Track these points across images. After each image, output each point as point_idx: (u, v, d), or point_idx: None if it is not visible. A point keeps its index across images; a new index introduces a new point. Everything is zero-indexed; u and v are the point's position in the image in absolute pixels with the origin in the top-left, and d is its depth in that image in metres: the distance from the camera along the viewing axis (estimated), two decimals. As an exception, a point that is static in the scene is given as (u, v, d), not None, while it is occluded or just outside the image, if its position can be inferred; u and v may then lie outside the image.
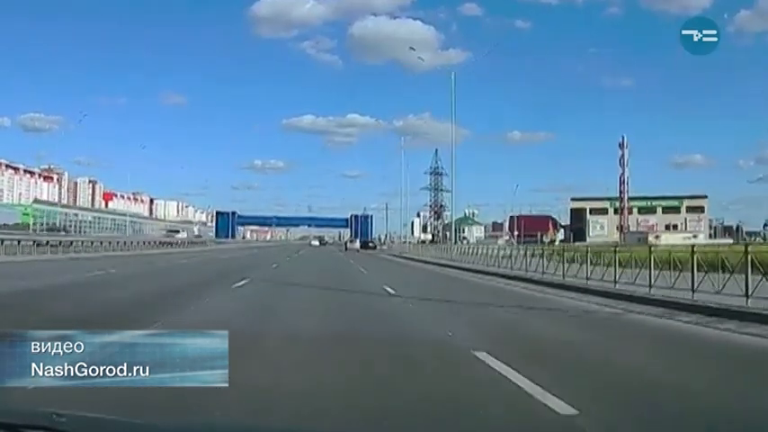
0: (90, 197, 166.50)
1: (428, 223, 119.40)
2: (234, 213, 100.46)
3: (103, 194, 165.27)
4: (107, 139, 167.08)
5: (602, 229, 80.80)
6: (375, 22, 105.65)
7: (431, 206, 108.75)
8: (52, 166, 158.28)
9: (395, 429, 3.88)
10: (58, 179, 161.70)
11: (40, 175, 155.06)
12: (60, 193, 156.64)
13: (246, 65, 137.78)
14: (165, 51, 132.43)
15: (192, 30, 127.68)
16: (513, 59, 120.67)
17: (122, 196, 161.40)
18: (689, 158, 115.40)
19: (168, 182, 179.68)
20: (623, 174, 64.29)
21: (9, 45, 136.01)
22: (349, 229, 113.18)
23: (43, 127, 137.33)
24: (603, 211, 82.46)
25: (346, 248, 74.60)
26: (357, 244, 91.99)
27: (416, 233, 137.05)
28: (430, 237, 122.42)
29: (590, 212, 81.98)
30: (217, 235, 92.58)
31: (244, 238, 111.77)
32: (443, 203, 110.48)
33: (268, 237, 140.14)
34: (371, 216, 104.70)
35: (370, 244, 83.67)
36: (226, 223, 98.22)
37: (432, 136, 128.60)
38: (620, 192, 66.29)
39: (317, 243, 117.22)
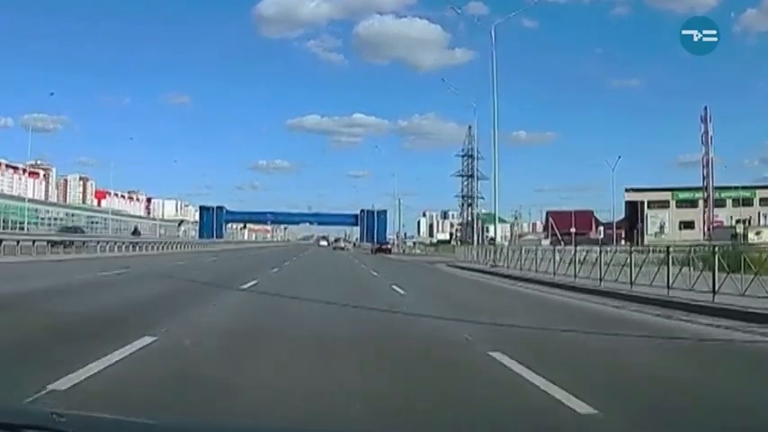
0: (81, 195, 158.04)
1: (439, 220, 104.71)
2: (220, 208, 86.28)
3: (95, 192, 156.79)
4: (110, 140, 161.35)
5: (661, 226, 66.89)
6: (381, 21, 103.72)
7: (463, 196, 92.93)
8: (39, 162, 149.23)
9: None
10: (45, 175, 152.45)
11: (24, 171, 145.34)
12: (48, 190, 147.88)
13: (251, 64, 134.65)
14: (170, 51, 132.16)
15: (197, 29, 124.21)
16: (520, 59, 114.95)
17: (116, 194, 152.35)
18: (693, 157, 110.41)
19: (172, 182, 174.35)
20: (707, 154, 50.33)
21: (11, 44, 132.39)
22: (359, 228, 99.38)
23: (47, 127, 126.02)
24: (664, 204, 68.43)
25: (334, 248, 69.12)
26: (342, 242, 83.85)
27: (423, 233, 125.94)
28: (447, 236, 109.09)
29: (647, 206, 68.00)
30: (201, 234, 78.71)
31: (234, 237, 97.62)
32: (478, 193, 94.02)
33: (269, 236, 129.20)
34: (386, 212, 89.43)
35: (385, 246, 66.48)
36: (211, 220, 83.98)
37: (436, 135, 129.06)
38: (705, 177, 52.25)
39: (324, 243, 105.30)
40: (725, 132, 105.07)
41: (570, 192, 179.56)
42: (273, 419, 3.80)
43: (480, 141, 58.42)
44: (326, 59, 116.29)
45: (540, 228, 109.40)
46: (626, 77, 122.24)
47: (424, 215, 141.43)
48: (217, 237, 76.03)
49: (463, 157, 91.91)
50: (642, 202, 68.71)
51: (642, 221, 67.26)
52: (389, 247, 67.22)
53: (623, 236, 67.23)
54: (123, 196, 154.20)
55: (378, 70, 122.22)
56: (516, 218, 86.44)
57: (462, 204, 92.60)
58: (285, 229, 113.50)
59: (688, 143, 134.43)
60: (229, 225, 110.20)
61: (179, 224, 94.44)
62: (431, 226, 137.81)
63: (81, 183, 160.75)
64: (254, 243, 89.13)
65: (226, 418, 3.56)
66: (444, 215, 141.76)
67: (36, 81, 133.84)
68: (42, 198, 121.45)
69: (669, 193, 68.37)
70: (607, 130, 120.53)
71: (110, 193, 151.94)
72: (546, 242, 58.88)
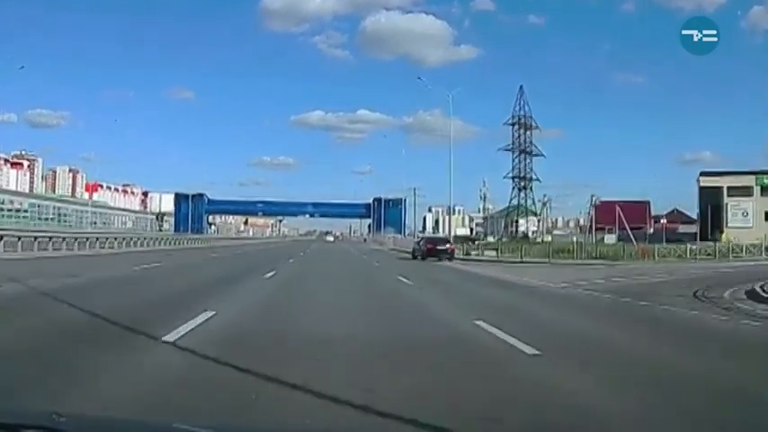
0: (70, 187, 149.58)
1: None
2: (200, 196, 72.99)
3: (86, 185, 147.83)
4: (113, 135, 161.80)
5: (744, 217, 53.85)
6: (387, 16, 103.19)
7: (514, 177, 77.04)
8: (24, 152, 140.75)
9: None
10: (29, 166, 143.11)
11: (7, 162, 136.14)
12: (33, 182, 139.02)
13: (256, 60, 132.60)
14: (174, 46, 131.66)
15: (202, 24, 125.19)
16: (526, 55, 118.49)
17: (109, 187, 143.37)
18: (697, 155, 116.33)
19: (175, 178, 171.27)
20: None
21: (14, 40, 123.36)
22: (371, 220, 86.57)
23: (50, 123, 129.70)
24: (746, 191, 55.29)
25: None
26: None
27: (429, 228, 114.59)
28: (467, 231, 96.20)
29: (727, 193, 54.90)
30: (176, 228, 65.91)
31: (218, 232, 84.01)
32: (532, 174, 74.95)
33: (268, 232, 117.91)
34: (404, 201, 74.67)
35: (444, 246, 33.09)
36: (190, 211, 70.66)
37: (441, 132, 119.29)
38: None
39: (330, 239, 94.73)
40: (730, 130, 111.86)
41: (575, 189, 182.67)
42: None
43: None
44: (332, 55, 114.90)
45: (558, 222, 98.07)
46: (632, 74, 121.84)
47: (430, 210, 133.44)
48: (195, 231, 62.95)
49: (513, 126, 74.35)
50: (720, 189, 55.52)
51: (723, 211, 54.30)
52: (452, 247, 33.89)
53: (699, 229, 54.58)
54: (117, 189, 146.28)
55: (383, 66, 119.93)
56: (545, 204, 70.11)
57: (513, 185, 75.91)
58: (280, 221, 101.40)
59: (691, 141, 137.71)
60: (223, 218, 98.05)
61: (158, 217, 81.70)
62: (436, 221, 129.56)
63: (70, 175, 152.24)
64: (240, 240, 73.82)
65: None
66: (449, 211, 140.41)
67: (39, 76, 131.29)
68: (27, 191, 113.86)
69: (752, 177, 55.21)
70: (611, 128, 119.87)
71: (101, 186, 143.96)
72: (610, 238, 45.94)
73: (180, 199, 75.31)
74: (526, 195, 74.22)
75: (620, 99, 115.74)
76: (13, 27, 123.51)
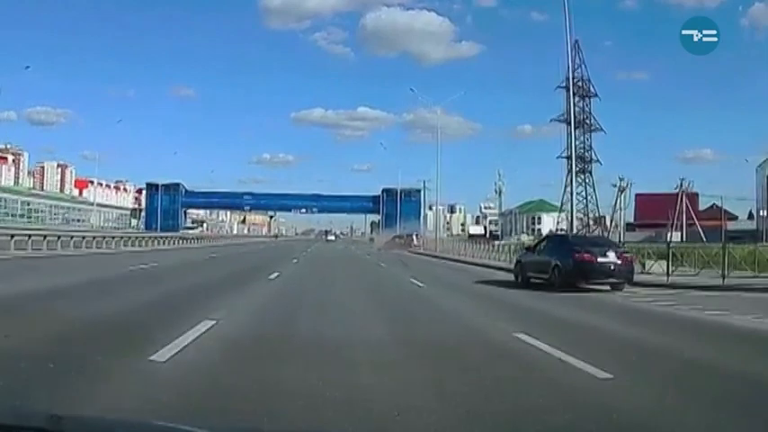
0: (59, 184, 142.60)
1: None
2: (176, 187, 63.01)
3: (75, 181, 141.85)
4: (113, 133, 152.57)
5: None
6: (388, 13, 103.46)
7: (568, 157, 64.18)
8: (9, 146, 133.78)
9: None
10: (14, 161, 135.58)
11: None
12: (18, 177, 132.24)
13: (256, 57, 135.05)
14: (175, 43, 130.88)
15: (202, 21, 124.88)
16: (526, 52, 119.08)
17: (101, 184, 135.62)
18: (698, 153, 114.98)
19: (172, 176, 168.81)
20: None
21: (13, 36, 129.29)
22: (380, 214, 77.64)
23: (50, 120, 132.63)
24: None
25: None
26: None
27: (430, 227, 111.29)
28: (481, 229, 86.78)
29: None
30: (148, 224, 56.60)
31: (203, 230, 74.38)
32: (592, 154, 60.44)
33: (264, 230, 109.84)
34: (419, 192, 64.01)
35: (606, 258, 13.91)
36: (162, 205, 60.90)
37: (441, 129, 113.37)
38: None
39: (332, 238, 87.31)
40: (731, 128, 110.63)
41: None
42: None
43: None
44: (332, 52, 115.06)
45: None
46: (634, 71, 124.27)
47: (431, 209, 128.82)
48: (169, 228, 53.39)
49: (567, 89, 58.65)
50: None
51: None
52: (630, 257, 15.20)
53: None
54: (109, 186, 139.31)
55: (384, 63, 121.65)
56: (623, 190, 51.90)
57: (569, 171, 62.21)
58: (271, 217, 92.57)
59: (692, 138, 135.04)
60: (220, 217, 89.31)
61: (133, 213, 72.76)
62: (439, 219, 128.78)
63: (59, 170, 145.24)
64: (191, 241, 57.42)
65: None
66: (451, 209, 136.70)
67: (39, 74, 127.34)
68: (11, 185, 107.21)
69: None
70: (611, 125, 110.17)
71: (92, 182, 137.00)
72: (675, 235, 36.61)
73: (151, 190, 64.56)
74: (584, 180, 59.88)
75: (622, 95, 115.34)
76: (12, 25, 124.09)
